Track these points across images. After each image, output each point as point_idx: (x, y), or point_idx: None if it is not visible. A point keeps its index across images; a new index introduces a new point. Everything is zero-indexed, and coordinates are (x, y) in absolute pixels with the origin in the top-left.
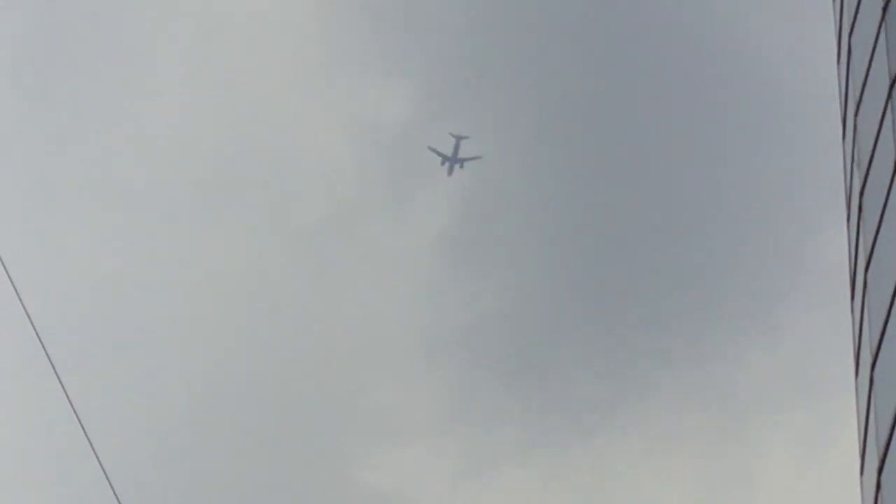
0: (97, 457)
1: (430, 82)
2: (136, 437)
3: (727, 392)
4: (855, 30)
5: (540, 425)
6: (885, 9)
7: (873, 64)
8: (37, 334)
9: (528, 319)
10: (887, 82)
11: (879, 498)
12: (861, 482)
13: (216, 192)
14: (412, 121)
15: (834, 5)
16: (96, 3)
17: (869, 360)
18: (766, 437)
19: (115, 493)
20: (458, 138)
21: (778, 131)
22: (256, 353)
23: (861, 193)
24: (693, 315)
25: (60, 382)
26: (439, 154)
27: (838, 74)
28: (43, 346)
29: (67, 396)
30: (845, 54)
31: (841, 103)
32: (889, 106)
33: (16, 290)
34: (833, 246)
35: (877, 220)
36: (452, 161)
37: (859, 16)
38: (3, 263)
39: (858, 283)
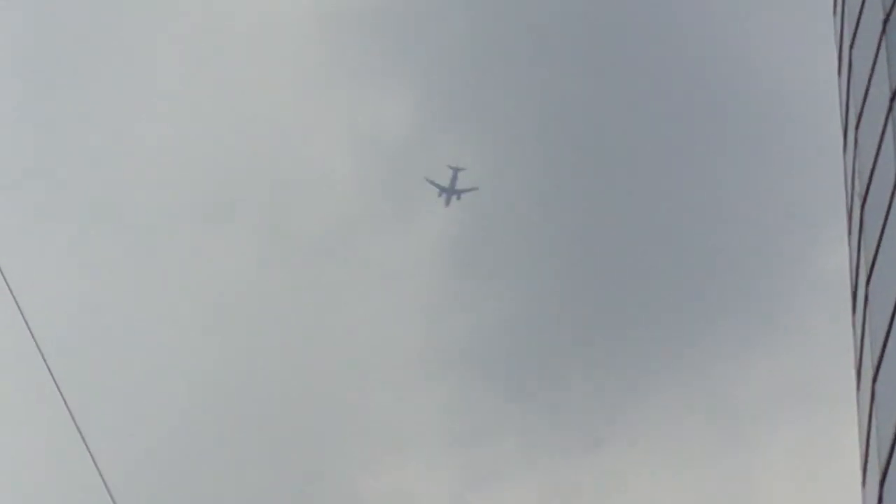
0: (105, 483)
1: (431, 93)
2: (138, 442)
3: (729, 403)
4: (856, 43)
5: (542, 437)
6: (885, 22)
7: (874, 77)
8: (39, 349)
9: (529, 330)
10: (888, 95)
11: None
12: (863, 494)
13: (216, 204)
14: (413, 132)
15: (835, 18)
16: (95, 15)
17: (870, 374)
18: (769, 448)
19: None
20: (456, 170)
21: (780, 142)
22: (257, 365)
23: (862, 207)
24: (695, 326)
25: (63, 399)
26: (436, 185)
27: (839, 87)
28: (45, 360)
29: (72, 416)
30: (846, 67)
31: (842, 116)
32: (890, 119)
33: (17, 303)
34: (836, 255)
35: (878, 233)
36: (449, 192)
37: (860, 29)
38: (5, 279)
39: (860, 296)
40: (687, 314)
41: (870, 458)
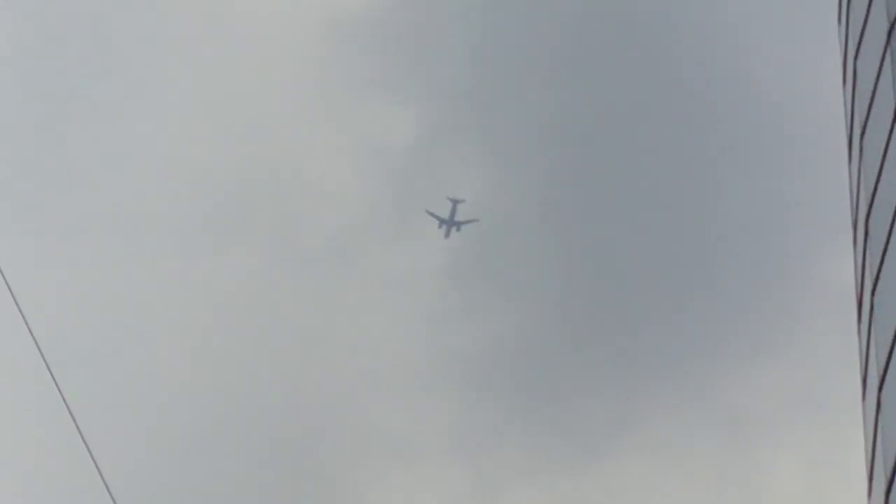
0: (105, 484)
1: (437, 106)
2: (143, 452)
3: (735, 413)
4: (860, 53)
5: (548, 448)
6: (889, 33)
7: (879, 86)
8: (44, 360)
9: (534, 341)
10: (892, 105)
11: None
12: (869, 503)
13: (222, 215)
14: (419, 145)
15: (839, 28)
16: (103, 27)
17: (876, 383)
18: (775, 458)
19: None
20: (455, 202)
21: (785, 151)
22: (262, 375)
23: (867, 217)
24: (701, 336)
25: (68, 409)
26: (436, 217)
27: (844, 96)
28: (47, 364)
29: (74, 420)
30: (851, 76)
31: (847, 125)
32: (894, 129)
33: (23, 315)
34: (842, 266)
35: (883, 243)
36: (449, 224)
37: (864, 38)
38: (12, 294)
39: (865, 306)
40: (692, 324)
41: (875, 467)
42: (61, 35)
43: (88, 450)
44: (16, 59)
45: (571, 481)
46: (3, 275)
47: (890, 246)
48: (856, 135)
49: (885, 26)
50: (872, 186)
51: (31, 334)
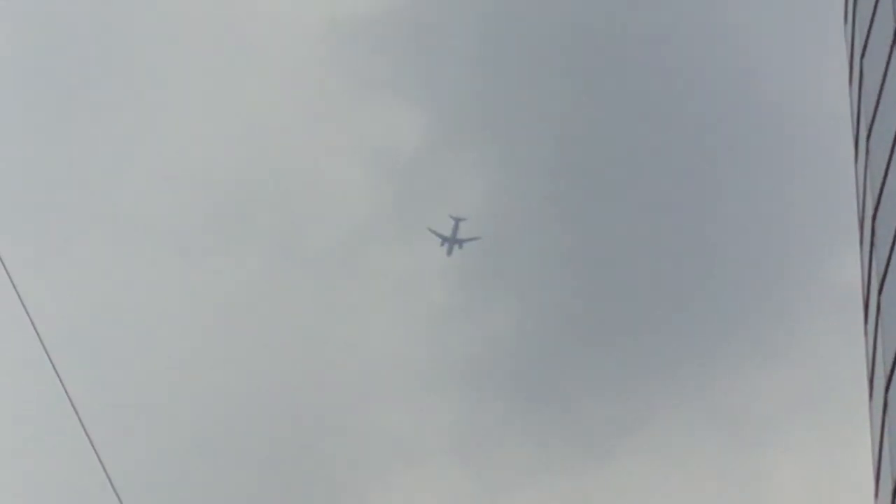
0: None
1: (442, 107)
2: (149, 455)
3: (737, 413)
4: (867, 53)
5: (549, 448)
6: None
7: (885, 87)
8: (50, 360)
9: (538, 343)
10: None
11: None
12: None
13: (225, 216)
14: (424, 146)
15: (846, 28)
16: (104, 27)
17: (883, 383)
18: (776, 459)
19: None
20: (457, 220)
21: (791, 152)
22: (264, 376)
23: (874, 217)
24: (705, 337)
25: (74, 408)
26: (438, 235)
27: (850, 97)
28: (56, 371)
29: (81, 422)
30: (857, 77)
31: (853, 126)
32: None
33: (29, 315)
34: (847, 267)
35: (889, 243)
36: (451, 242)
37: (871, 38)
38: (19, 296)
39: (871, 306)
40: (694, 325)
41: (882, 467)
42: (61, 35)
43: (94, 448)
44: (16, 59)
45: (573, 481)
46: (9, 275)
47: None
48: (862, 134)
49: (892, 25)
50: (879, 186)
51: (38, 334)
